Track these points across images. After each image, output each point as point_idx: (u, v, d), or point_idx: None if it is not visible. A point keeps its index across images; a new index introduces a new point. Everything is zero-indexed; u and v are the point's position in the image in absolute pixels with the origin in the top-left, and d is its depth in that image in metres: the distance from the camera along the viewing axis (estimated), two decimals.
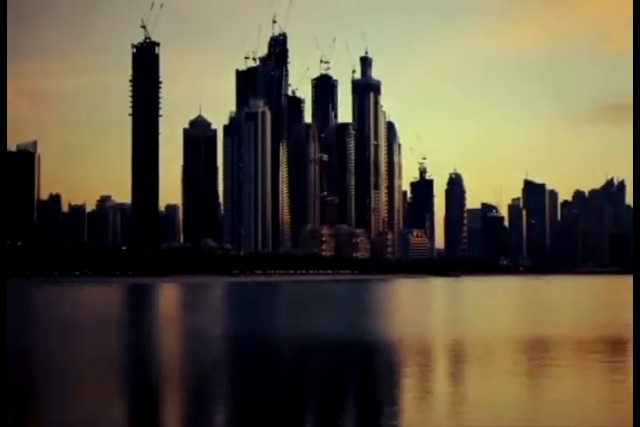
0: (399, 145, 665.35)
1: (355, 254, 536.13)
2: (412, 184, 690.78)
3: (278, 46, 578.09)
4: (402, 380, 30.25)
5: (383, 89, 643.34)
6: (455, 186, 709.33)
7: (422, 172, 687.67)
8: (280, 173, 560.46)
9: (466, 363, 35.51)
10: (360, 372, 33.42)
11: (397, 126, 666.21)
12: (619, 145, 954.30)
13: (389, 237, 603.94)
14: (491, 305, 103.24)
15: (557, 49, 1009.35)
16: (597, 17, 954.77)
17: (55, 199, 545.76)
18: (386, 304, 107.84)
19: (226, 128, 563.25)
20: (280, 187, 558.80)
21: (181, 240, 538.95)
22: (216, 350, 42.48)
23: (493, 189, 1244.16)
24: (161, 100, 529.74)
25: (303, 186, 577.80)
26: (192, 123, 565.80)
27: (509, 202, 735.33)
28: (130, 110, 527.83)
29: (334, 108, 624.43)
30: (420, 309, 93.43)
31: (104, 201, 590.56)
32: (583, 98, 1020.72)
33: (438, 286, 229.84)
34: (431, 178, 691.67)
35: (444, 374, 32.14)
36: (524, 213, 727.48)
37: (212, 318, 72.14)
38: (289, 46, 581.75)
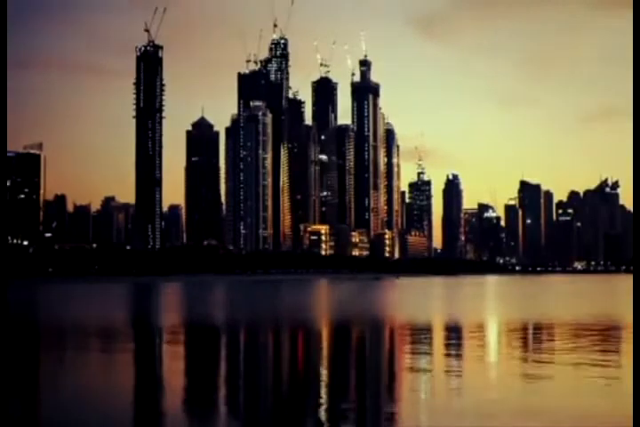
0: (397, 146, 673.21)
1: (354, 254, 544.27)
2: (411, 185, 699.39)
3: (279, 50, 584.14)
4: None
5: (382, 91, 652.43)
6: (452, 186, 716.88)
7: (420, 173, 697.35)
8: (281, 174, 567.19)
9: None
10: None
11: (396, 128, 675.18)
12: (614, 145, 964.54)
13: (388, 236, 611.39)
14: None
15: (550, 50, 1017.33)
16: None
17: (60, 200, 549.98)
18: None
19: (228, 130, 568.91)
20: (281, 187, 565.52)
21: (184, 240, 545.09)
22: None
23: (490, 190, 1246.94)
24: (164, 103, 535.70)
25: (303, 186, 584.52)
26: (195, 124, 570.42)
27: (505, 202, 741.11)
28: (134, 112, 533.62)
29: (334, 110, 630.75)
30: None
31: (108, 201, 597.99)
32: (582, 99, 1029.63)
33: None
34: (429, 179, 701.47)
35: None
36: (520, 213, 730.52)
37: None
38: (290, 50, 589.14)
